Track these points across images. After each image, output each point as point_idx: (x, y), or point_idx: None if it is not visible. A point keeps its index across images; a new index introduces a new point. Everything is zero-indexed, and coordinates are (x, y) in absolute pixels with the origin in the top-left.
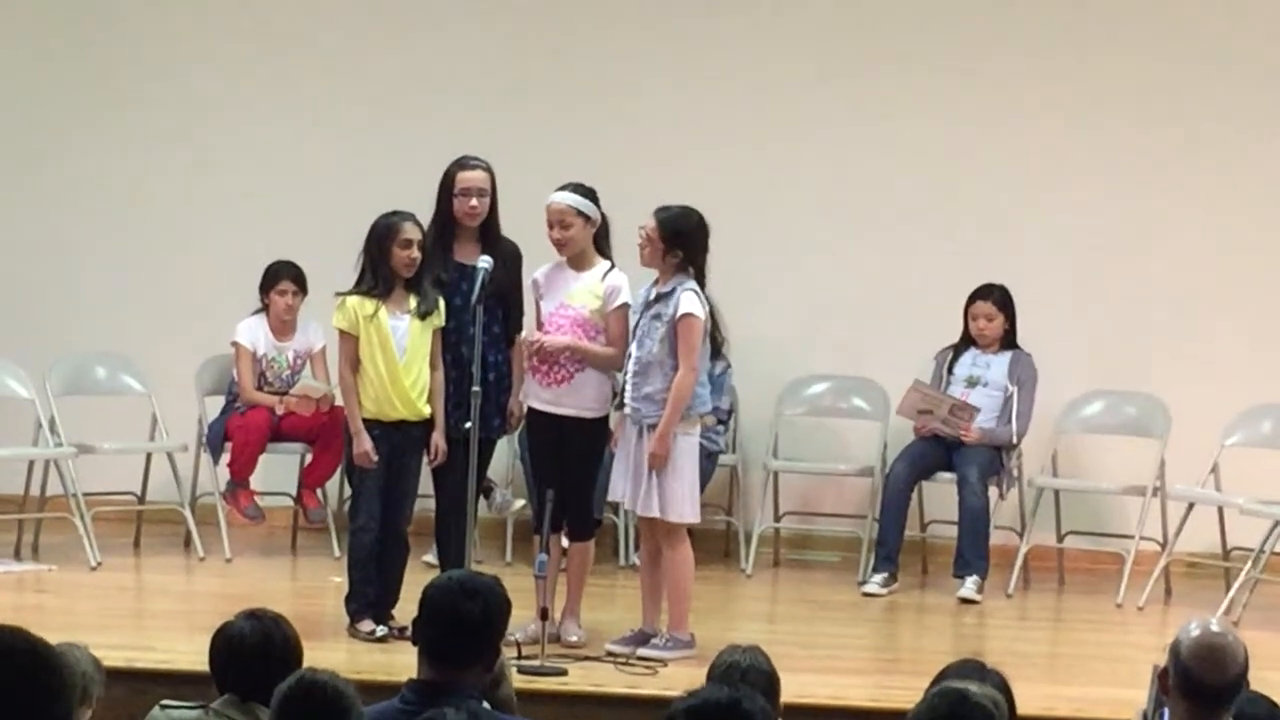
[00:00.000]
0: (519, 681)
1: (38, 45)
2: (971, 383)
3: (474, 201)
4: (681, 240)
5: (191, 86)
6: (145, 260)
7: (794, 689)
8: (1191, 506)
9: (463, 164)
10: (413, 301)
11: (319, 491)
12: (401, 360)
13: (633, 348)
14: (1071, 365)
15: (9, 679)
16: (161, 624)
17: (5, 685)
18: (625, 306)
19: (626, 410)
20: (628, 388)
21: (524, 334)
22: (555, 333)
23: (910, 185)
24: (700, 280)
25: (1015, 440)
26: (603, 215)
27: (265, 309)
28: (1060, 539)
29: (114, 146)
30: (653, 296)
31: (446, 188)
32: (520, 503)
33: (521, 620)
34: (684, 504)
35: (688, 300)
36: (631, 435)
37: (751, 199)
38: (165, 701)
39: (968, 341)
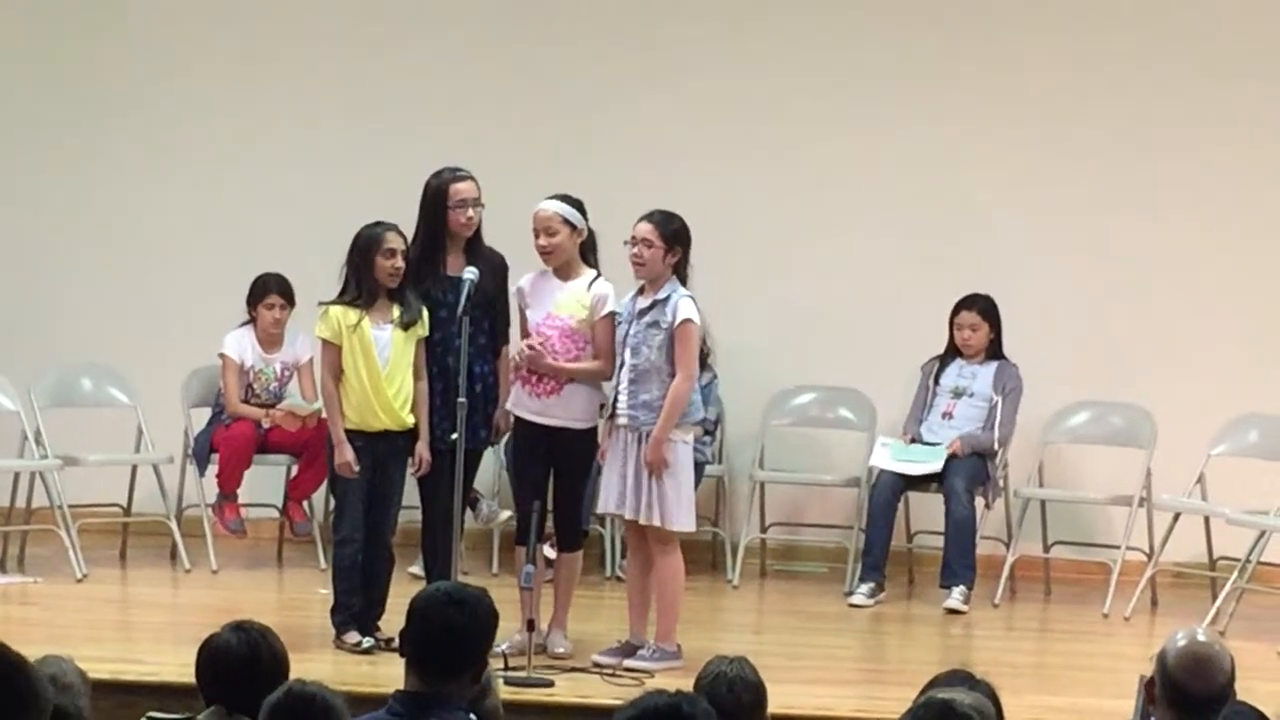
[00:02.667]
0: (506, 693)
1: (21, 58)
2: (957, 393)
3: (470, 212)
4: (680, 241)
5: (177, 99)
6: (131, 272)
7: (781, 700)
8: (1178, 516)
9: (456, 176)
10: (396, 311)
11: (305, 504)
12: (384, 370)
13: (626, 356)
14: (1057, 375)
15: None
16: (148, 636)
17: None
18: (612, 315)
19: (622, 419)
20: (622, 397)
21: (514, 345)
22: (543, 343)
23: (896, 195)
24: (683, 283)
25: (996, 447)
26: (590, 229)
27: (252, 321)
28: (1047, 549)
29: (99, 159)
30: (645, 304)
31: (439, 200)
32: (506, 514)
33: (508, 631)
34: (682, 512)
35: (686, 307)
36: (628, 443)
37: (737, 209)
38: (152, 714)
39: (953, 352)
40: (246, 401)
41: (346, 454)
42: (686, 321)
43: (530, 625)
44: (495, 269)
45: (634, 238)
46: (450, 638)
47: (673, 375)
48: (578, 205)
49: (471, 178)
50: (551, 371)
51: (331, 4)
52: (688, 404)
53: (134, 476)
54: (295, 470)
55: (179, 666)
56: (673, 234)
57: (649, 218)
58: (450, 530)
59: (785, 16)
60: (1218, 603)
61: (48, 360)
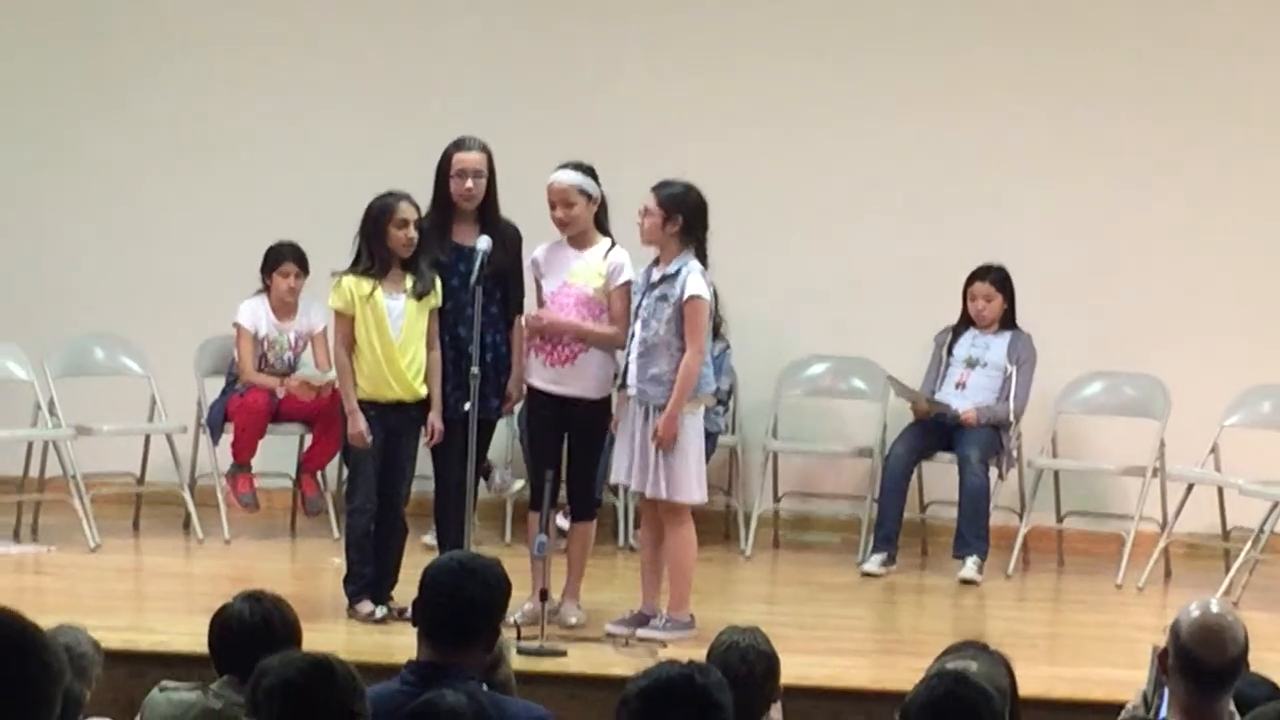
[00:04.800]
0: (518, 663)
1: (35, 29)
2: (971, 363)
3: (469, 183)
4: (682, 209)
5: (189, 69)
6: (144, 241)
7: (794, 670)
8: (1191, 487)
9: (460, 145)
10: (409, 282)
11: (318, 477)
12: (397, 340)
13: (636, 328)
14: (1071, 346)
15: None
16: (161, 606)
17: None
18: (628, 284)
19: (631, 391)
20: (632, 369)
21: (526, 314)
22: (559, 313)
23: (910, 165)
24: (702, 258)
25: (1012, 419)
26: (602, 195)
27: (267, 290)
28: (1060, 520)
29: (113, 128)
30: (657, 277)
31: (443, 169)
32: (520, 484)
33: (520, 601)
34: (690, 485)
35: (694, 282)
36: (637, 416)
37: (750, 180)
38: (165, 683)
39: (967, 322)
40: (260, 371)
41: (360, 424)
42: (694, 297)
43: (543, 595)
44: (509, 240)
45: (641, 209)
46: (463, 607)
47: (682, 350)
48: (590, 172)
49: (478, 148)
50: (568, 330)
51: None
52: (698, 379)
53: (147, 446)
54: (309, 441)
55: (191, 636)
56: (671, 203)
57: (658, 187)
58: (463, 500)
59: None
60: (1231, 573)
61: (61, 330)
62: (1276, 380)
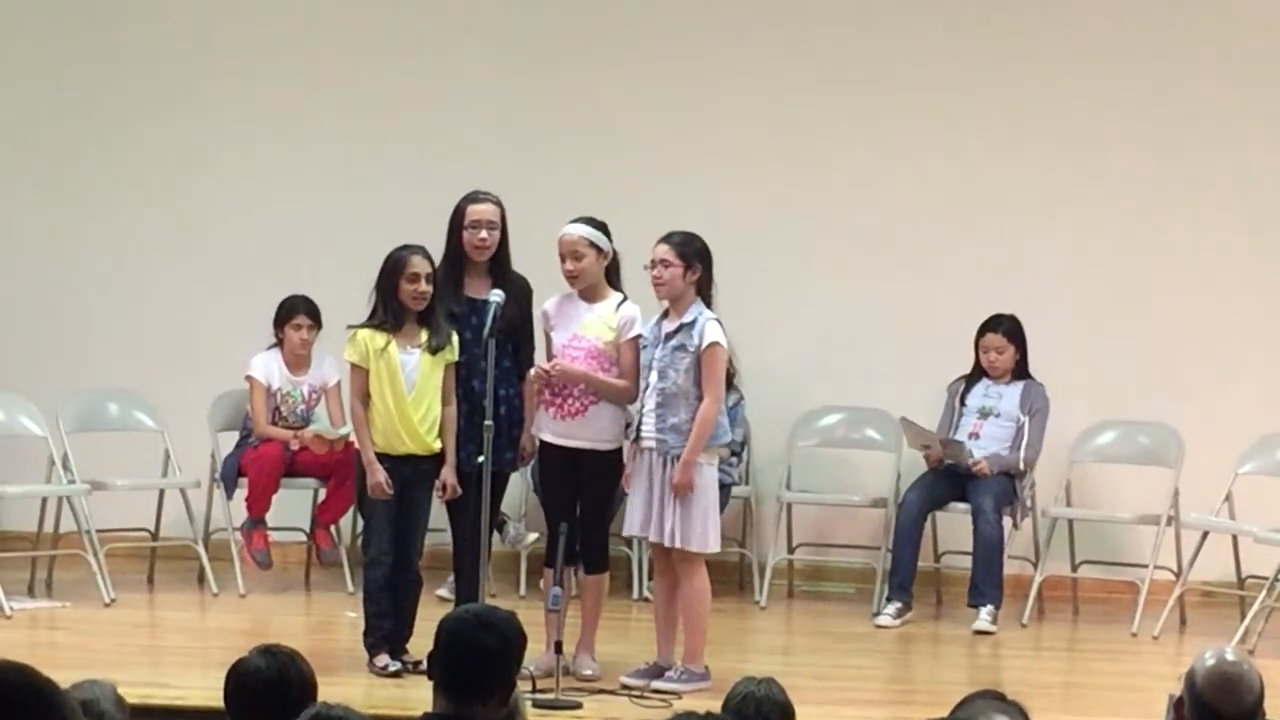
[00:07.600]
0: (534, 715)
1: (52, 87)
2: (984, 414)
3: (483, 234)
4: (698, 258)
5: (203, 124)
6: (157, 296)
7: None
8: (1206, 535)
9: (472, 198)
10: (424, 335)
11: (332, 530)
12: (410, 394)
13: (652, 379)
14: (1084, 395)
15: (6, 716)
16: (176, 660)
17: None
18: (638, 338)
19: (649, 443)
20: (649, 420)
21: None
22: (569, 364)
23: (921, 215)
24: (708, 306)
25: (1024, 467)
26: (614, 250)
27: (279, 343)
28: (1075, 568)
29: (126, 183)
30: (672, 328)
31: (456, 221)
32: (534, 536)
33: (535, 653)
34: (706, 534)
35: (712, 330)
36: (655, 467)
37: (762, 230)
38: None
39: (980, 372)
40: (273, 424)
41: (379, 475)
42: (713, 345)
43: (558, 647)
44: (520, 293)
45: (653, 260)
46: (478, 660)
47: (700, 399)
48: (602, 227)
49: (491, 200)
50: (581, 379)
51: (368, 37)
52: (715, 427)
53: (161, 501)
54: (323, 494)
55: (207, 690)
56: (690, 252)
57: (666, 238)
58: (477, 553)
59: (804, 36)
60: (1246, 621)
61: (75, 385)
62: None
